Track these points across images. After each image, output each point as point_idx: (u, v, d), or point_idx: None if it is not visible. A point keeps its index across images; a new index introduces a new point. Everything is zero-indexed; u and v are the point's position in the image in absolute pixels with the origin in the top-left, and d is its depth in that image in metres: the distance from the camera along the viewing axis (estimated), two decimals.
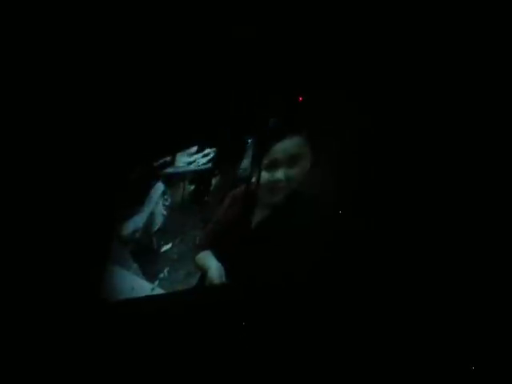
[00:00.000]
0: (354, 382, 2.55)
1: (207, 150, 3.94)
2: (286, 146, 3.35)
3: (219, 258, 3.34)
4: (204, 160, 3.93)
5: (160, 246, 3.77)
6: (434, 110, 2.83)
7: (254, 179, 3.42)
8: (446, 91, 2.82)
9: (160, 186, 4.09)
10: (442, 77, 2.86)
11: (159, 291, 3.56)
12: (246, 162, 3.58)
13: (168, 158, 4.16)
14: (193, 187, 3.88)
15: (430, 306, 2.50)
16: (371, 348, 2.56)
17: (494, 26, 2.75)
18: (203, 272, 3.36)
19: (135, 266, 3.82)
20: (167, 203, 3.97)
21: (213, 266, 3.31)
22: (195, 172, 3.93)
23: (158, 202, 4.02)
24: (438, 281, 2.53)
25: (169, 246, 3.73)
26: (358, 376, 2.54)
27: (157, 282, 3.60)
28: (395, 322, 2.55)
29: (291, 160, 3.26)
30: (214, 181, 3.76)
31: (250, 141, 3.65)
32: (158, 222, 3.93)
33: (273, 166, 3.34)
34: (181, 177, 4.00)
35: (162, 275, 3.61)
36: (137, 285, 3.69)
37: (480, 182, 2.57)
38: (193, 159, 4.01)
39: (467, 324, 2.38)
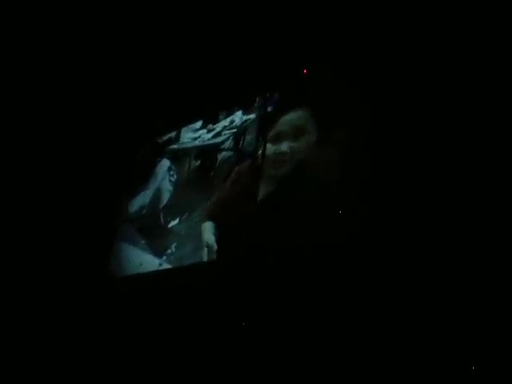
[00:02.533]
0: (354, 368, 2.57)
1: (212, 125, 3.94)
2: (291, 118, 3.35)
3: (222, 232, 3.37)
4: (209, 135, 3.92)
5: (167, 222, 3.79)
6: (443, 92, 2.81)
7: (259, 153, 3.42)
8: (457, 74, 2.79)
9: (166, 163, 4.09)
10: (453, 57, 2.83)
11: (167, 266, 3.58)
12: (251, 136, 3.58)
13: (173, 134, 4.16)
14: (198, 163, 3.88)
15: (430, 299, 2.51)
16: (371, 332, 2.57)
17: (494, 26, 2.73)
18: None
19: (143, 242, 3.84)
20: (173, 179, 3.98)
21: (207, 243, 3.36)
22: (200, 147, 3.93)
23: (164, 179, 4.03)
24: (438, 269, 2.53)
25: (176, 221, 3.74)
26: (359, 360, 2.56)
27: (164, 258, 3.62)
28: (395, 306, 2.56)
29: (296, 132, 3.26)
30: (219, 156, 3.76)
31: (254, 115, 3.65)
32: (165, 198, 3.94)
33: (278, 138, 3.34)
34: (186, 153, 4.00)
35: (169, 251, 3.63)
36: (144, 260, 3.71)
37: (482, 179, 2.56)
38: (198, 135, 4.01)
39: (466, 321, 2.38)
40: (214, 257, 3.32)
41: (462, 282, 2.44)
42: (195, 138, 4.01)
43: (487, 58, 2.74)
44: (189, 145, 4.02)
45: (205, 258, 3.38)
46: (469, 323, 2.36)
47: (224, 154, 3.74)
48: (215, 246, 3.33)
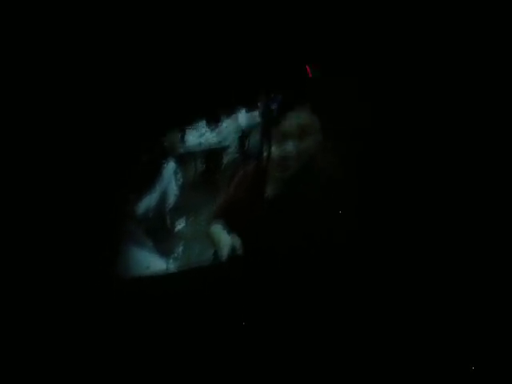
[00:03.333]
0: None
1: (216, 127, 3.95)
2: (296, 117, 3.33)
3: (230, 233, 3.34)
4: (214, 137, 3.93)
5: (173, 225, 3.80)
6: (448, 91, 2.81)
7: (264, 154, 3.41)
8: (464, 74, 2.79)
9: (171, 165, 4.10)
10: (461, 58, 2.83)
11: (174, 269, 3.59)
12: (255, 137, 3.58)
13: (178, 137, 4.16)
14: (204, 165, 3.90)
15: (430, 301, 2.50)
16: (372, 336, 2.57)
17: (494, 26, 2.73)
18: (215, 247, 3.37)
19: (149, 244, 3.85)
20: (179, 182, 3.99)
21: (221, 243, 3.31)
22: (206, 151, 3.94)
23: (170, 181, 4.04)
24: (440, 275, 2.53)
25: (182, 224, 3.76)
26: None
27: (171, 260, 3.63)
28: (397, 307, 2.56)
29: (302, 132, 3.24)
30: (224, 158, 3.77)
31: (258, 116, 3.65)
32: (171, 200, 3.95)
33: (283, 138, 3.31)
34: (191, 155, 4.01)
35: (176, 253, 3.64)
36: (151, 263, 3.71)
37: (490, 183, 2.55)
38: (202, 137, 4.02)
39: (466, 322, 2.37)
40: (224, 259, 3.30)
41: (462, 282, 2.43)
42: (200, 141, 4.02)
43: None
44: (194, 148, 4.03)
45: (213, 260, 3.36)
46: (469, 323, 2.35)
47: (229, 156, 3.76)
48: (226, 248, 3.30)
